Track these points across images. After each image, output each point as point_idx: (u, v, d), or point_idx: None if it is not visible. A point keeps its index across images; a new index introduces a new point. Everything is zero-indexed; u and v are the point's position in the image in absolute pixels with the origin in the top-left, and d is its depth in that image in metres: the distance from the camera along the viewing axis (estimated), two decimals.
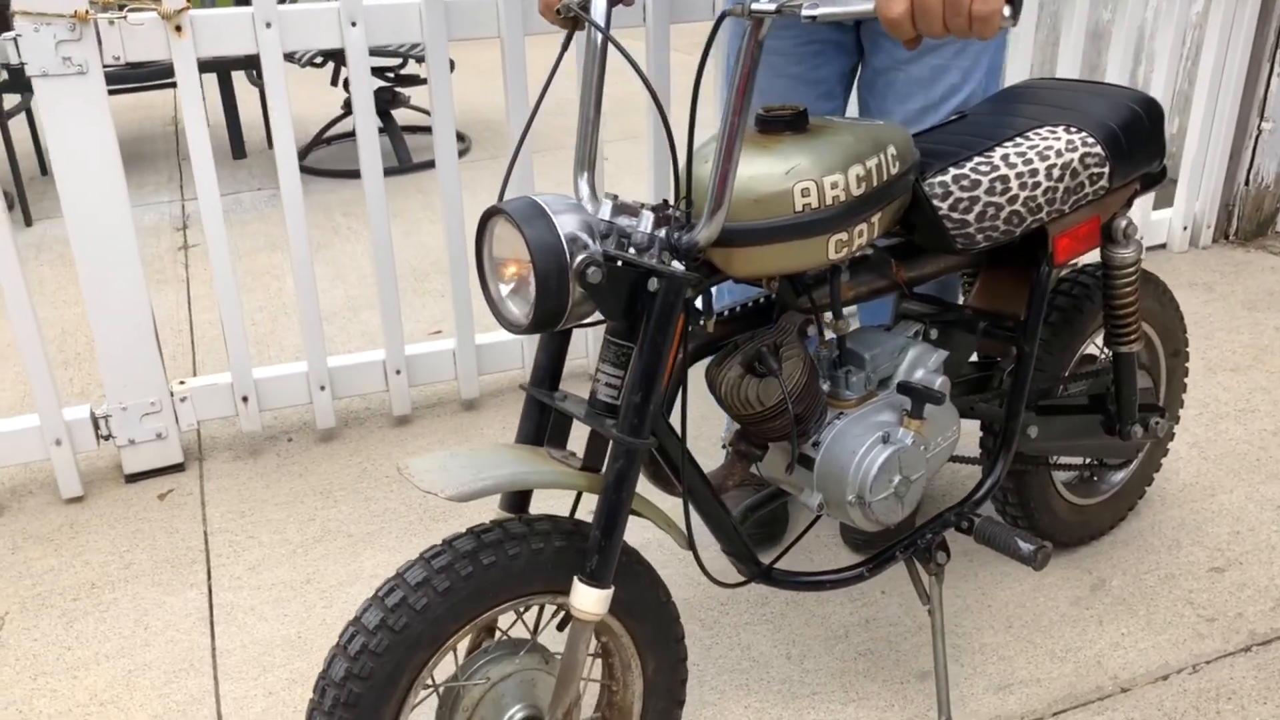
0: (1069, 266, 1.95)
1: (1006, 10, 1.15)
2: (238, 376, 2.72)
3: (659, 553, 2.28)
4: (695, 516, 1.64)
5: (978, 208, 1.63)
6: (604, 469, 1.38)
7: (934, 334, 1.75)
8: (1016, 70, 3.16)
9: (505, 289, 1.36)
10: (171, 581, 2.33)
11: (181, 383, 2.74)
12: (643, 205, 1.42)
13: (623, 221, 1.41)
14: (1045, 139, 1.69)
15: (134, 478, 2.71)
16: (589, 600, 1.39)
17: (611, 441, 1.38)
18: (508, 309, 1.37)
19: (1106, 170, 1.73)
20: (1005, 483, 2.00)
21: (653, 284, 1.35)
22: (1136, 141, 1.76)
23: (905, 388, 1.63)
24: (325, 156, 5.19)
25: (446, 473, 1.35)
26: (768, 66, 2.13)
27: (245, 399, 2.75)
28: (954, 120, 1.84)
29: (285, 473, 2.72)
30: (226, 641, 2.15)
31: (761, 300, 1.65)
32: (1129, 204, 1.83)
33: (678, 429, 2.34)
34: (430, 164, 4.87)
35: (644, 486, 2.46)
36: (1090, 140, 1.71)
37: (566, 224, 1.31)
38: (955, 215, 1.62)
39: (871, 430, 1.62)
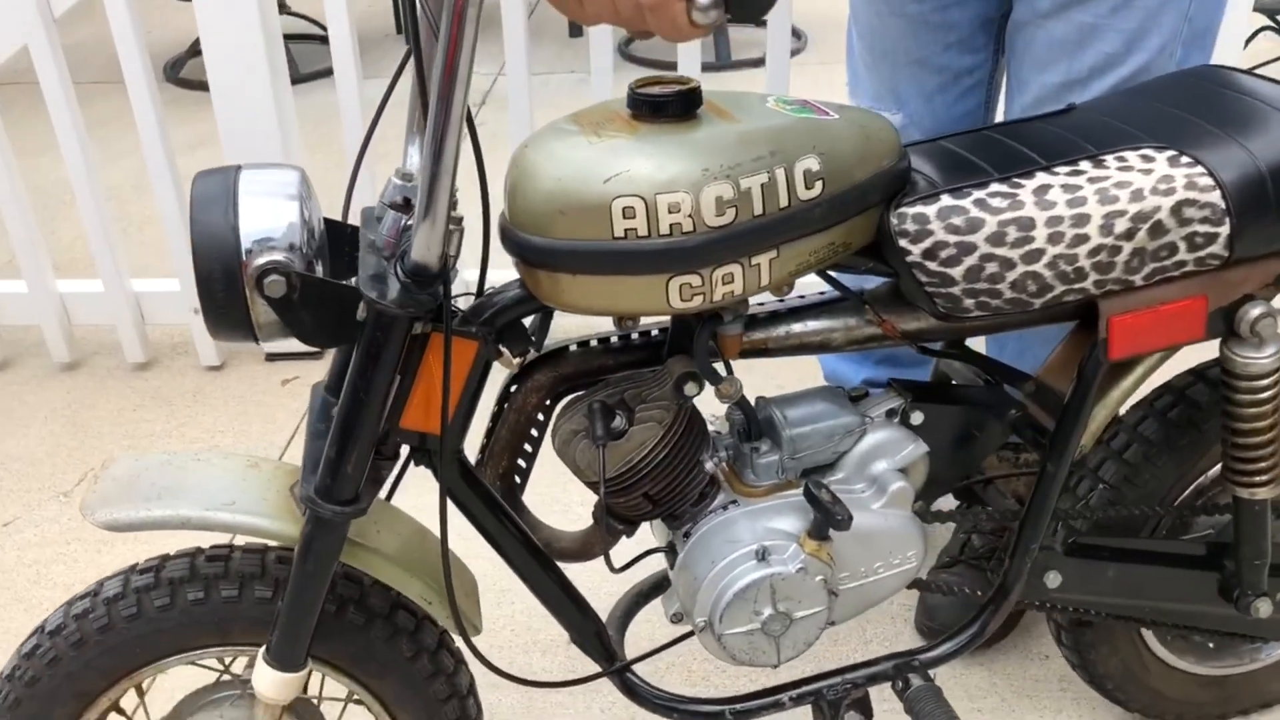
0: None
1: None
2: None
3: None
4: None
5: (969, 260, 1.11)
6: None
7: (916, 417, 1.25)
8: None
9: None
10: None
11: None
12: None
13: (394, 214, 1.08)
14: (1126, 168, 1.12)
15: (273, 357, 2.71)
16: (265, 682, 1.13)
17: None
18: None
19: (1224, 231, 1.12)
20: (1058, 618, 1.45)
21: (361, 311, 1.02)
22: None
23: (810, 493, 1.17)
24: (656, 44, 4.96)
25: (129, 486, 1.13)
26: (880, 0, 1.61)
27: None
28: (1051, 115, 1.28)
29: None
30: None
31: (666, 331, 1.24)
32: (1275, 284, 1.19)
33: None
34: (753, 62, 4.49)
35: None
36: (1204, 180, 1.11)
37: (262, 211, 1.01)
38: (932, 266, 1.12)
39: (751, 538, 1.19)
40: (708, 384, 1.16)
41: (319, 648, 1.19)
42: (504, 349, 1.12)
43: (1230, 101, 1.21)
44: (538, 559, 1.25)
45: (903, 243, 1.11)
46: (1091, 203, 1.11)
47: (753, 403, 1.26)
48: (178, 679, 1.27)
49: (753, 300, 1.22)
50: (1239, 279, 1.17)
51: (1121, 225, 1.11)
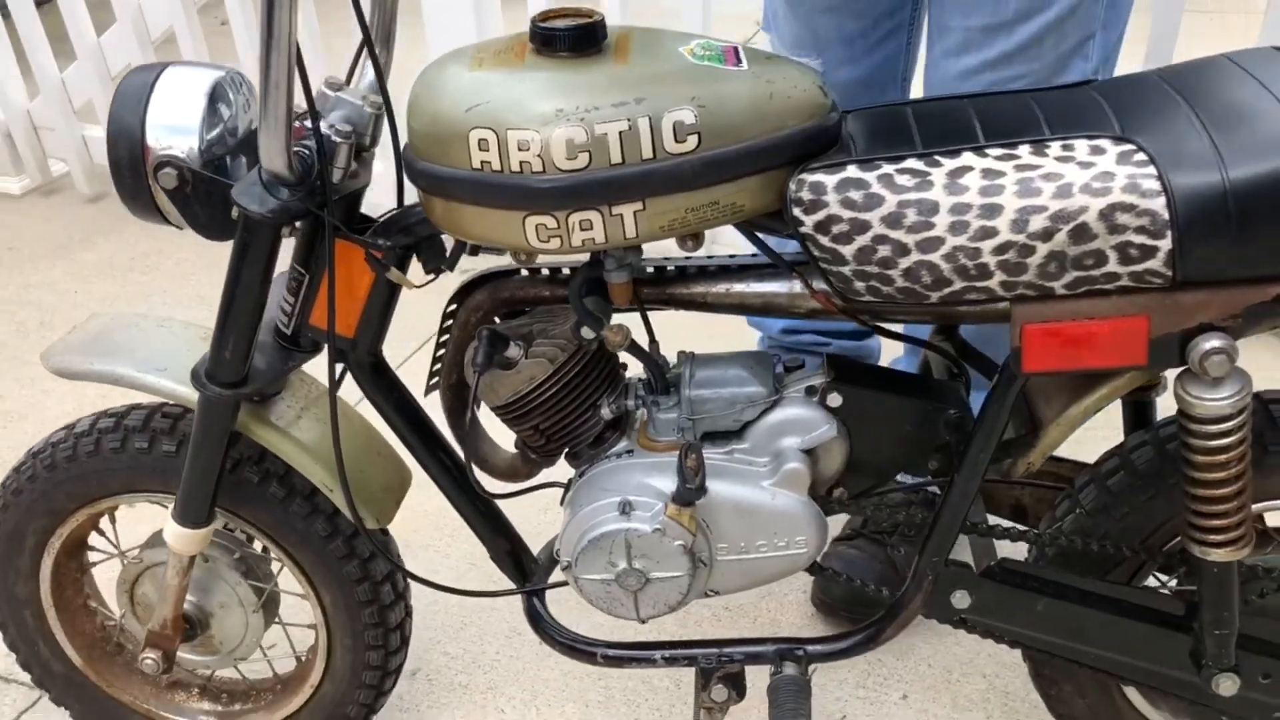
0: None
1: None
2: None
3: None
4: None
5: (861, 239, 1.02)
6: None
7: (834, 399, 1.17)
8: None
9: None
10: None
11: None
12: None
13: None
14: (1065, 158, 0.98)
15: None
16: (171, 534, 1.25)
17: None
18: None
19: (1165, 245, 0.96)
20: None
21: (235, 211, 1.08)
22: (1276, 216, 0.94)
23: (680, 457, 1.13)
24: None
25: (92, 341, 1.29)
26: None
27: None
28: (1061, 87, 1.14)
29: None
30: None
31: None
32: (1245, 318, 0.99)
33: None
34: None
35: None
36: (1150, 184, 0.95)
37: (169, 108, 1.09)
38: (824, 241, 1.04)
39: (622, 490, 1.17)
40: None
41: (245, 511, 1.30)
42: (391, 263, 1.15)
43: (1249, 96, 1.02)
44: (452, 470, 1.29)
45: (796, 211, 1.04)
46: (1008, 193, 0.98)
47: (674, 358, 1.23)
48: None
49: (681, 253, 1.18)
50: (1193, 304, 1.00)
51: (1038, 223, 0.98)
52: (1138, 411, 1.29)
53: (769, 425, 1.18)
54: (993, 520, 1.32)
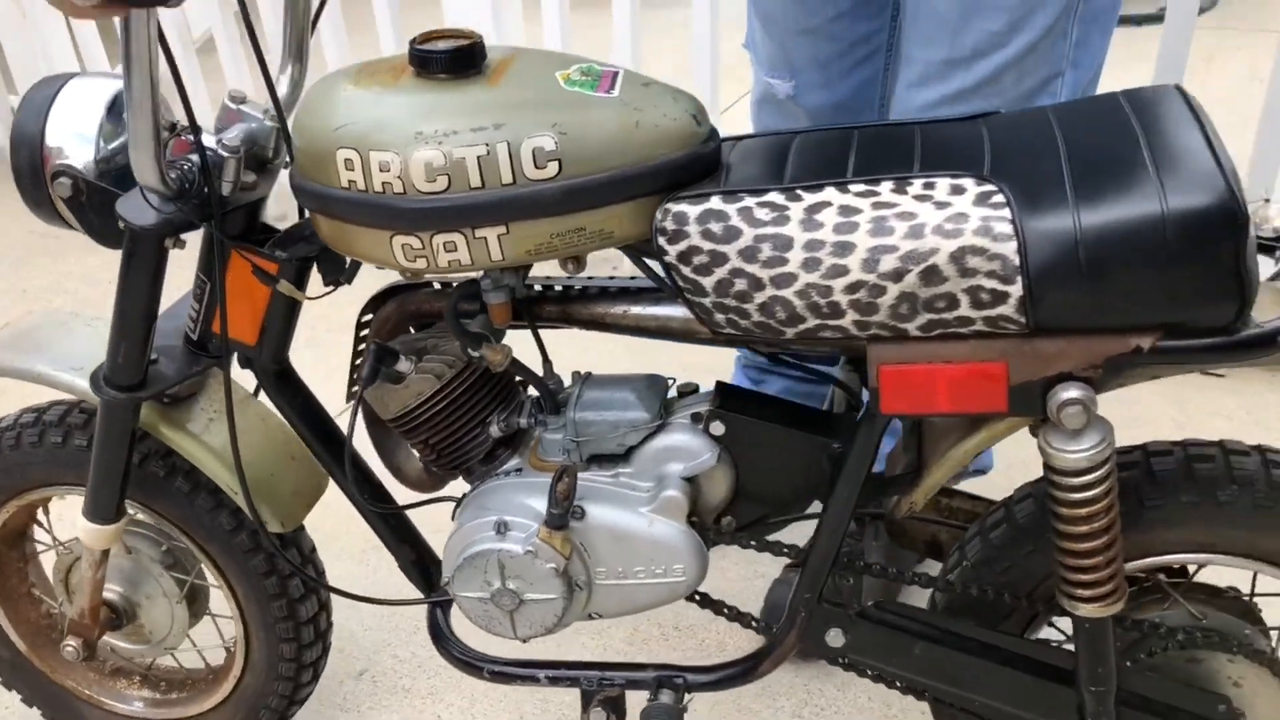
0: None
1: None
2: None
3: None
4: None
5: (720, 272, 1.01)
6: None
7: (716, 427, 1.15)
8: None
9: None
10: None
11: None
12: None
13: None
14: (923, 197, 0.96)
15: None
16: (82, 529, 1.30)
17: None
18: None
19: (1015, 291, 0.93)
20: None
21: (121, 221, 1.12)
22: (1138, 265, 0.91)
23: (553, 480, 1.13)
24: None
25: (22, 337, 1.34)
26: None
27: None
28: (959, 119, 1.11)
29: None
30: None
31: None
32: (1106, 369, 0.96)
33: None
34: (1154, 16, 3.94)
35: None
36: (1002, 228, 0.93)
37: (68, 119, 1.13)
38: (686, 271, 1.03)
39: (502, 510, 1.17)
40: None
41: (156, 504, 1.34)
42: (288, 275, 1.18)
43: (1123, 141, 0.98)
44: (356, 478, 1.30)
45: (661, 240, 1.03)
46: (861, 232, 0.96)
47: (568, 378, 1.23)
48: None
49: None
50: (1052, 353, 0.96)
51: (889, 263, 0.96)
52: None
53: (652, 451, 1.18)
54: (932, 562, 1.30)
